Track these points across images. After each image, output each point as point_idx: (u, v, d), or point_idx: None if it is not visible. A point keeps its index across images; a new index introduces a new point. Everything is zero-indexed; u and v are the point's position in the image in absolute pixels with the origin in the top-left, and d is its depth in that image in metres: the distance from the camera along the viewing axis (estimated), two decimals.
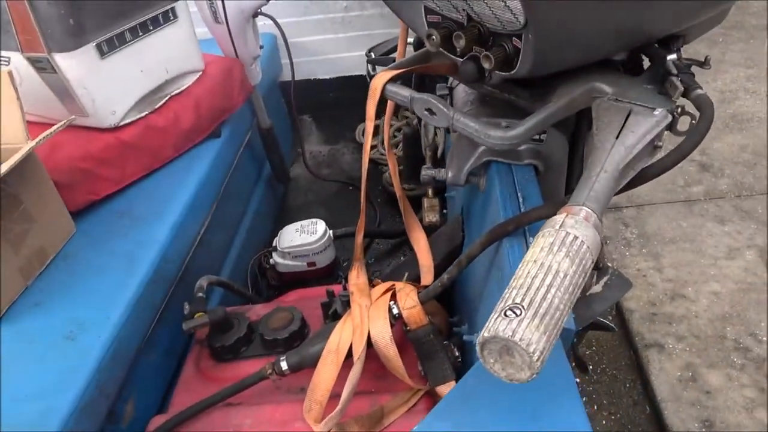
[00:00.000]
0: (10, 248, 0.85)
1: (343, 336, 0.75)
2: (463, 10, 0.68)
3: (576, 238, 0.48)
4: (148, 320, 0.87)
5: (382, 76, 0.78)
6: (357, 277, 0.90)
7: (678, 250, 1.86)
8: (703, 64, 0.82)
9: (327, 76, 1.84)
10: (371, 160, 1.79)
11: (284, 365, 0.78)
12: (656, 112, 0.63)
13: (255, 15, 1.23)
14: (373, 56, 1.31)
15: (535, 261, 0.47)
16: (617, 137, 0.61)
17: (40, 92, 1.01)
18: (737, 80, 2.66)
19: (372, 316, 0.75)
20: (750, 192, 2.14)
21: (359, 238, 0.95)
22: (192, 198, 1.07)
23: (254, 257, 1.35)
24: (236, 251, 1.31)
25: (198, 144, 1.19)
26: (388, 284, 0.81)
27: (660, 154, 0.68)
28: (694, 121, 0.66)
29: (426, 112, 0.74)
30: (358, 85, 1.82)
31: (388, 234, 1.55)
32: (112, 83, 1.02)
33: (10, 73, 0.87)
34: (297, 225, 1.36)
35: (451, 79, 1.01)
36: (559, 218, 0.50)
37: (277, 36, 1.78)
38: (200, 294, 0.95)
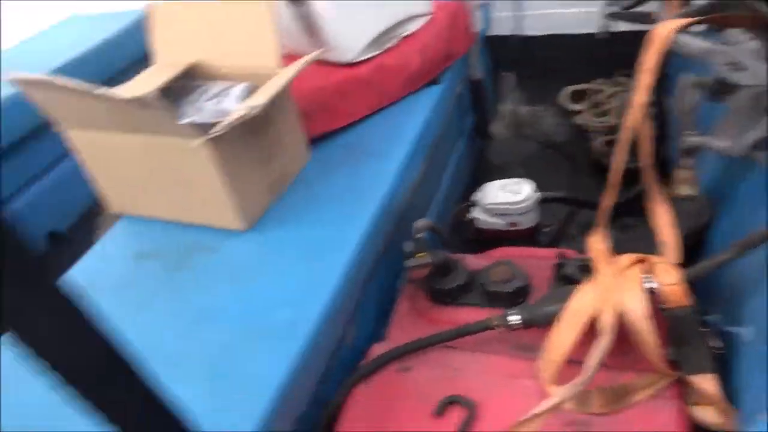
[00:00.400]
0: (263, 165, 0.91)
1: (587, 301, 0.70)
2: None
3: None
4: (376, 250, 0.90)
5: (669, 24, 0.68)
6: (600, 243, 0.83)
7: None
8: None
9: (536, 33, 1.73)
10: (579, 127, 1.68)
11: (515, 319, 0.75)
12: None
13: None
14: (618, 10, 1.19)
15: None
16: None
17: (288, 24, 1.06)
18: None
19: (625, 286, 0.69)
20: None
21: (607, 201, 0.87)
22: (416, 139, 1.07)
23: (455, 209, 1.34)
24: (439, 201, 1.30)
25: (419, 89, 1.18)
26: (637, 256, 0.74)
27: None
28: None
29: (727, 67, 0.64)
30: (568, 44, 1.69)
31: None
32: (353, 21, 1.04)
33: (271, 4, 0.91)
34: (501, 182, 1.32)
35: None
36: None
37: None
38: (419, 235, 0.95)
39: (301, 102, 1.00)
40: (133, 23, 1.40)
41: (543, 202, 1.32)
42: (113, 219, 1.00)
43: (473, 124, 1.56)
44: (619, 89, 1.65)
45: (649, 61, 0.72)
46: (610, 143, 1.51)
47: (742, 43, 0.83)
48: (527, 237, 1.30)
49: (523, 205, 1.26)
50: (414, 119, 1.11)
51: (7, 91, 1.09)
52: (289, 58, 0.93)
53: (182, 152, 0.82)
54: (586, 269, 0.78)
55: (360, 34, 1.07)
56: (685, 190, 0.88)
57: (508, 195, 1.28)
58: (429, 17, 1.20)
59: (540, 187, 1.37)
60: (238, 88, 0.91)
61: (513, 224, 1.29)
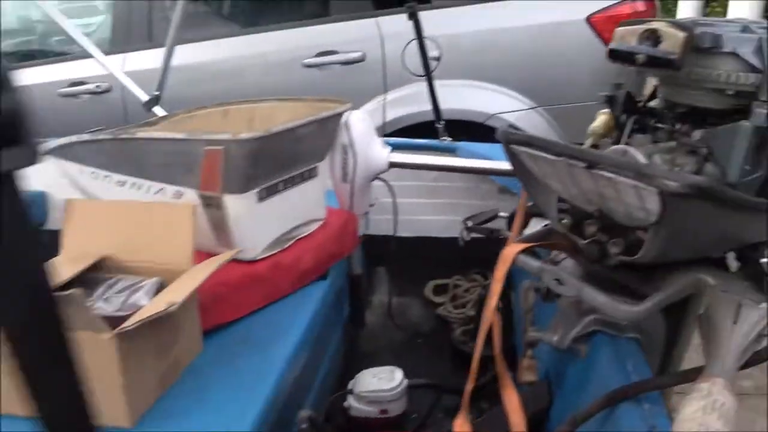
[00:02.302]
0: (159, 358, 0.95)
1: None
2: (596, 204, 0.85)
3: (724, 403, 0.58)
4: None
5: (514, 247, 0.93)
6: (462, 426, 0.97)
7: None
8: None
9: (408, 234, 2.02)
10: (440, 317, 1.90)
11: None
12: (761, 305, 0.75)
13: (375, 178, 1.44)
14: (470, 224, 1.48)
15: (692, 420, 0.57)
16: (734, 323, 0.72)
17: (198, 223, 1.19)
18: None
19: None
20: None
21: (469, 386, 1.03)
22: (302, 332, 1.18)
23: (331, 398, 1.42)
24: (315, 390, 1.38)
25: (309, 284, 1.33)
26: None
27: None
28: None
29: (555, 282, 0.87)
30: (434, 245, 1.98)
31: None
32: (260, 224, 1.19)
33: (194, 207, 1.05)
34: (375, 370, 1.44)
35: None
36: (705, 386, 0.61)
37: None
38: (304, 425, 1.02)
39: (200, 294, 1.09)
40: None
41: (412, 388, 1.45)
42: None
43: (349, 314, 1.71)
44: (475, 284, 1.93)
45: (498, 273, 0.95)
46: (467, 333, 1.73)
47: (564, 260, 1.12)
48: (396, 424, 1.40)
49: (395, 391, 1.38)
50: (302, 313, 1.23)
51: None
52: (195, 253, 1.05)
53: (87, 345, 0.85)
54: None
55: (263, 237, 1.22)
56: (528, 376, 1.08)
57: (382, 382, 1.40)
58: (322, 221, 1.40)
59: (408, 374, 1.51)
60: (149, 284, 0.99)
61: (384, 411, 1.39)
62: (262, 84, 2.56)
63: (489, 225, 1.39)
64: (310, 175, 1.28)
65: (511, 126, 2.43)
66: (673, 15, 7.51)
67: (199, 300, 1.08)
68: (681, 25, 0.73)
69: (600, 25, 2.28)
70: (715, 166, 0.85)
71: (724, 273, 0.88)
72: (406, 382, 1.44)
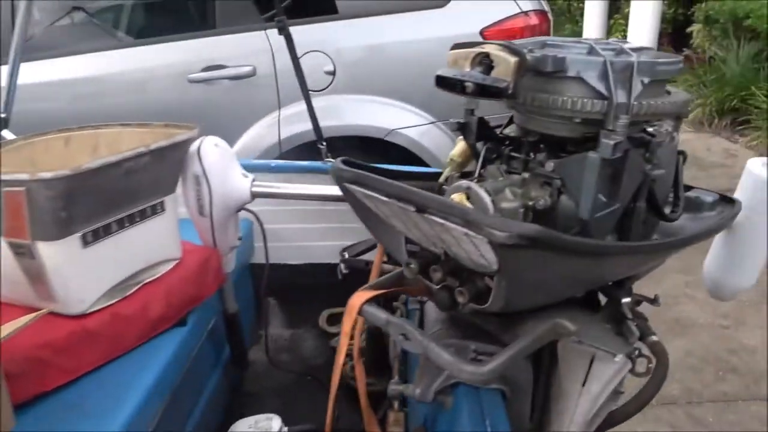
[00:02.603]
0: None
1: None
2: (441, 247, 0.75)
3: None
4: None
5: (360, 296, 0.82)
6: None
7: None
8: (653, 301, 0.90)
9: (297, 262, 1.89)
10: (334, 349, 1.78)
11: None
12: (617, 359, 0.68)
13: (239, 210, 1.30)
14: (347, 256, 1.38)
15: None
16: (583, 384, 0.64)
17: (10, 273, 1.01)
18: (677, 286, 2.85)
19: None
20: (699, 399, 2.19)
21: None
22: (147, 392, 1.03)
23: None
24: None
25: (162, 333, 1.17)
26: None
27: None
28: (651, 365, 0.71)
29: (401, 337, 0.77)
30: (325, 272, 1.87)
31: None
32: (88, 272, 1.03)
33: None
34: (251, 420, 1.31)
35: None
36: None
37: (254, 222, 1.86)
38: None
39: (10, 363, 0.91)
40: None
41: None
42: None
43: (229, 355, 1.56)
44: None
45: (345, 327, 0.84)
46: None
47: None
48: None
49: None
50: (149, 367, 1.07)
51: None
52: (6, 307, 0.88)
53: None
54: None
55: (94, 286, 1.05)
56: (395, 429, 0.97)
57: None
58: (176, 261, 1.24)
59: (295, 415, 1.39)
60: None
61: None
62: (144, 102, 2.36)
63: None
64: (155, 211, 1.13)
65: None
66: (580, 27, 7.81)
67: (11, 368, 0.91)
68: (513, 50, 0.64)
69: (493, 39, 2.25)
70: (570, 199, 0.78)
71: (587, 315, 0.81)
72: (285, 430, 1.32)
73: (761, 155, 4.70)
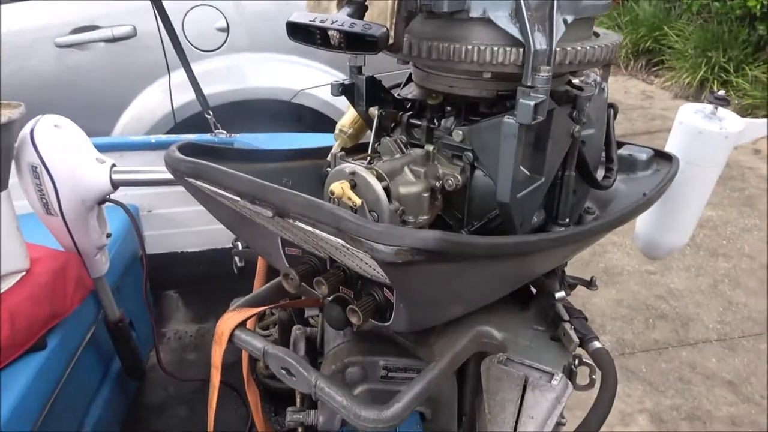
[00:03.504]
0: None
1: None
2: (326, 253, 0.57)
3: None
4: None
5: (229, 320, 0.63)
6: None
7: (572, 418, 1.79)
8: (590, 284, 0.77)
9: (195, 249, 1.67)
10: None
11: None
12: (554, 382, 0.53)
13: (101, 202, 1.06)
14: (240, 247, 1.18)
15: None
16: (516, 420, 0.50)
17: None
18: None
19: None
20: (632, 349, 2.18)
21: None
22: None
23: None
24: None
25: (12, 362, 0.95)
26: None
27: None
28: (594, 376, 0.57)
29: (283, 371, 0.59)
30: (230, 258, 1.67)
31: None
32: None
33: None
34: None
35: None
36: None
37: (139, 206, 1.61)
38: None
39: None
40: None
41: None
42: None
43: (121, 366, 1.35)
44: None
45: (215, 358, 0.66)
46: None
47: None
48: None
49: None
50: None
51: None
52: None
53: None
54: None
55: None
56: None
57: None
58: (23, 274, 1.00)
59: (201, 425, 1.21)
60: None
61: None
62: (12, 73, 2.00)
63: None
64: None
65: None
66: None
67: None
68: None
69: None
70: (486, 175, 0.62)
71: (517, 316, 0.66)
72: None
73: (676, 96, 4.78)
